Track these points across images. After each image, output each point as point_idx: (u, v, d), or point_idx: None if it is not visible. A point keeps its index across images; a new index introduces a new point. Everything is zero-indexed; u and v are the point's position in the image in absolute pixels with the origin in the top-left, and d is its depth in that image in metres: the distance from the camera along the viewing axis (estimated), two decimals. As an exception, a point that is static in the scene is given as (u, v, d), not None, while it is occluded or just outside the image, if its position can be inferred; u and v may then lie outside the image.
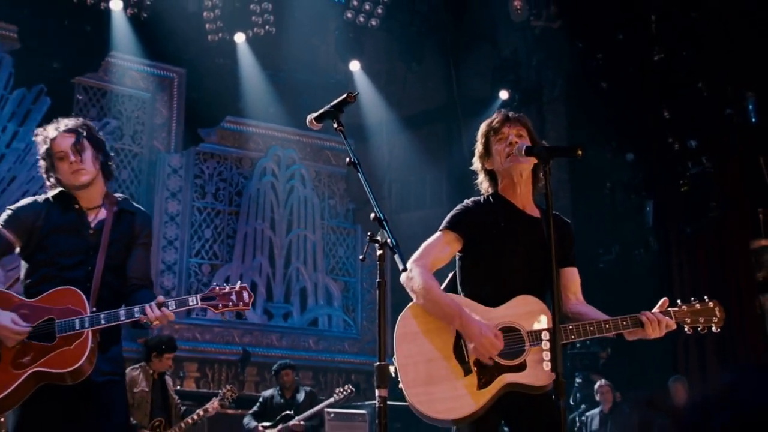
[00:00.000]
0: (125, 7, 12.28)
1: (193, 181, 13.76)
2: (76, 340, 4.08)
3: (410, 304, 4.09)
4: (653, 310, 4.04)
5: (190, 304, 4.24)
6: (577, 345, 11.73)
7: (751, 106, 11.40)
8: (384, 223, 3.61)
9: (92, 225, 4.39)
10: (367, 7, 13.45)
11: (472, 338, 3.87)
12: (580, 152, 3.83)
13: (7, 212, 4.35)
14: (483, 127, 4.33)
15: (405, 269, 3.56)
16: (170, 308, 4.15)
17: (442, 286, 4.23)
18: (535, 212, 4.27)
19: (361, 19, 13.55)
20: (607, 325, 4.00)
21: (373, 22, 13.60)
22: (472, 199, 4.32)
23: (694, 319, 4.09)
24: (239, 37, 13.20)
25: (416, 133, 14.37)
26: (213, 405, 8.82)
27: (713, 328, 4.11)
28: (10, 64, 12.17)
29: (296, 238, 14.53)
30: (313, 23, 13.67)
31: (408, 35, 14.07)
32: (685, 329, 4.11)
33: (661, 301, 4.08)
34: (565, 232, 4.29)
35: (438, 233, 4.21)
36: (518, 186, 4.20)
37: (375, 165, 14.63)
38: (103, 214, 4.45)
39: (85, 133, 4.39)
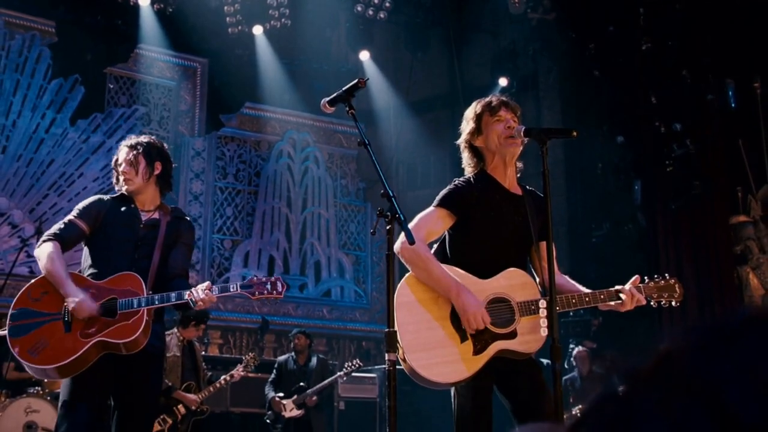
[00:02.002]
0: (152, 3, 12.35)
1: (215, 162, 13.80)
2: (134, 316, 4.49)
3: (407, 274, 4.07)
4: (627, 286, 4.09)
5: (231, 290, 4.63)
6: (570, 314, 11.78)
7: (731, 93, 11.32)
8: (393, 199, 3.65)
9: (143, 221, 4.82)
10: (376, 0, 13.39)
11: (465, 313, 3.89)
12: (575, 134, 3.97)
13: (79, 207, 4.83)
14: (478, 106, 4.27)
15: (413, 242, 3.57)
16: (213, 294, 4.47)
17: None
18: (518, 191, 4.27)
19: (370, 12, 13.48)
20: (587, 298, 4.06)
21: (382, 15, 13.52)
22: (462, 178, 4.29)
23: (659, 295, 4.18)
24: (257, 30, 13.20)
25: (422, 117, 14.34)
26: (238, 371, 8.93)
27: (673, 303, 4.21)
28: (49, 56, 12.24)
29: (311, 215, 14.53)
30: (326, 16, 13.61)
31: (414, 27, 14.04)
32: (652, 303, 4.19)
33: (633, 278, 4.14)
34: (541, 207, 4.18)
35: (431, 209, 4.18)
36: (507, 167, 4.21)
37: (384, 147, 14.53)
38: (155, 215, 4.87)
39: (141, 150, 4.84)
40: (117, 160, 4.91)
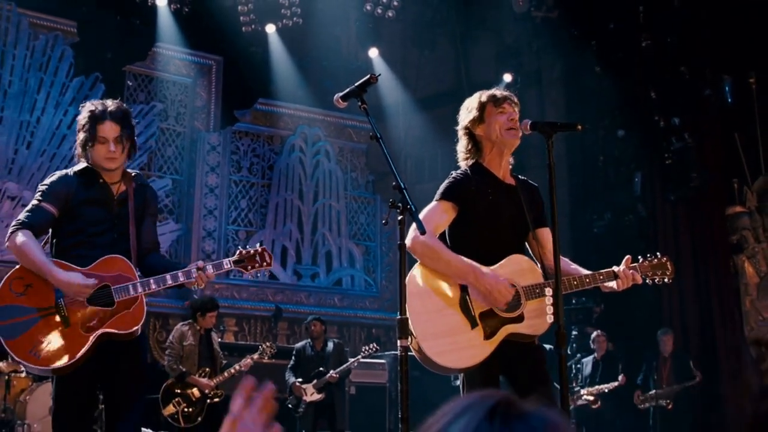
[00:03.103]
0: (169, 3, 12.37)
1: (229, 156, 13.83)
2: (133, 303, 4.16)
3: (416, 265, 4.05)
4: (621, 267, 4.11)
5: (225, 267, 4.34)
6: (573, 301, 11.85)
7: (727, 88, 11.44)
8: (404, 191, 3.61)
9: (116, 197, 4.36)
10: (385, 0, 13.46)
11: (490, 288, 3.89)
12: (579, 127, 3.97)
13: (43, 187, 4.29)
14: (483, 96, 4.25)
15: (424, 232, 3.55)
16: (208, 271, 4.24)
17: None
18: (512, 181, 4.27)
19: (379, 11, 13.46)
20: (587, 279, 4.09)
21: (390, 14, 13.49)
22: (459, 171, 4.26)
23: (653, 273, 4.21)
24: (270, 28, 13.22)
25: (429, 112, 14.31)
26: (247, 361, 8.98)
27: (666, 280, 4.25)
28: (71, 55, 12.30)
29: (322, 207, 14.55)
30: (336, 15, 13.58)
31: (421, 25, 14.05)
32: (647, 281, 4.22)
33: (625, 258, 4.15)
34: (534, 196, 4.33)
35: (434, 203, 4.16)
36: (503, 157, 4.21)
37: (393, 141, 14.51)
38: (122, 188, 4.39)
39: (128, 128, 4.33)
40: (98, 132, 4.25)
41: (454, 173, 4.27)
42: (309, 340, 10.21)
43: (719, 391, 11.10)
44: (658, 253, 4.31)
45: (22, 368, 9.28)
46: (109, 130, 4.24)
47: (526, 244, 4.30)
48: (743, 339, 10.88)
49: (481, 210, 4.13)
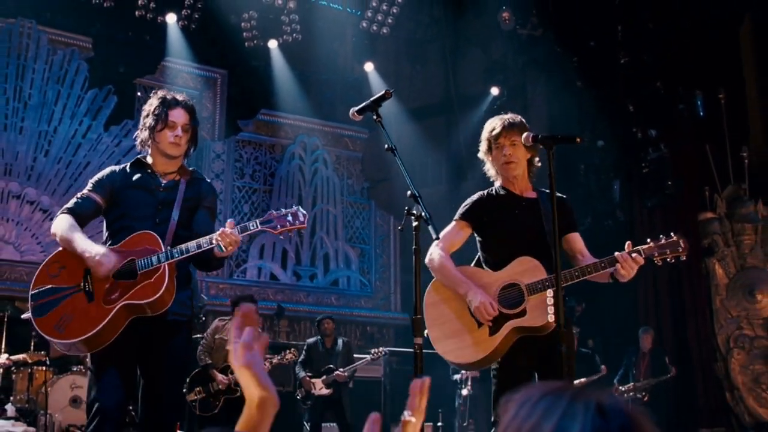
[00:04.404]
0: (178, 20, 12.53)
1: (233, 164, 13.90)
2: (155, 274, 4.00)
3: (433, 280, 4.50)
4: (623, 252, 4.13)
5: (251, 228, 4.07)
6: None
7: (699, 103, 11.58)
8: (419, 199, 3.68)
9: (163, 184, 4.29)
10: (380, 17, 13.49)
11: (474, 308, 4.22)
12: (578, 140, 4.04)
13: (92, 180, 4.35)
14: (485, 132, 4.52)
15: (437, 238, 3.77)
16: (233, 233, 3.97)
17: (473, 263, 4.60)
18: (532, 194, 4.50)
19: (375, 28, 13.62)
20: (589, 268, 4.17)
21: (384, 30, 13.66)
22: (482, 191, 4.59)
23: (661, 252, 4.13)
24: (272, 43, 13.32)
25: (420, 123, 14.36)
26: (267, 363, 9.06)
27: (680, 257, 4.16)
28: (86, 69, 12.45)
29: (320, 211, 14.59)
30: (334, 31, 13.73)
31: (413, 41, 14.18)
32: (655, 261, 4.16)
33: (626, 244, 4.17)
34: (564, 207, 4.48)
35: (453, 222, 4.57)
36: (515, 180, 4.48)
37: (385, 150, 14.79)
38: (176, 177, 4.33)
39: (195, 123, 4.36)
40: (168, 118, 4.26)
41: (477, 194, 4.62)
42: (320, 336, 10.30)
43: (692, 383, 11.39)
44: (672, 233, 4.21)
45: (45, 359, 9.47)
46: (180, 116, 4.28)
47: (563, 248, 4.46)
48: (714, 335, 11.08)
49: (496, 225, 4.47)
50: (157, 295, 3.95)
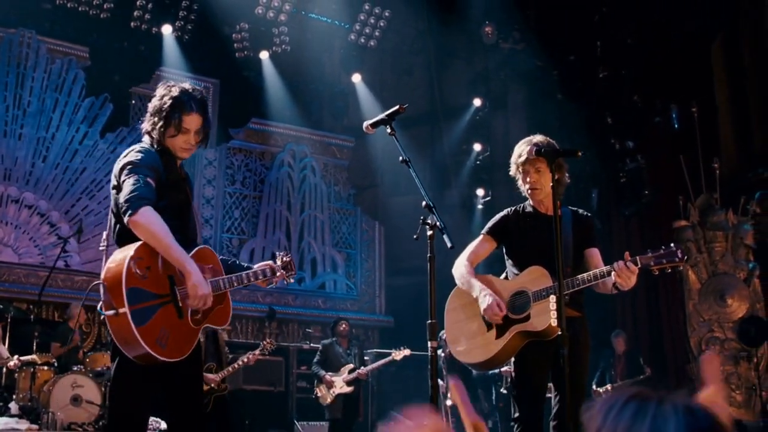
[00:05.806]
0: (172, 31, 12.62)
1: (224, 171, 13.95)
2: (224, 298, 3.86)
3: (455, 287, 4.77)
4: (619, 262, 4.15)
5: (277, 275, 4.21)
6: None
7: (674, 115, 11.76)
8: (433, 209, 3.68)
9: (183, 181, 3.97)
10: (367, 30, 13.61)
11: (485, 308, 4.47)
12: (579, 154, 4.08)
13: (141, 163, 3.69)
14: (514, 155, 4.63)
15: (452, 247, 3.69)
16: (278, 274, 4.15)
17: (503, 275, 4.79)
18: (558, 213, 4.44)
19: (362, 40, 13.73)
20: (589, 277, 4.23)
21: (372, 43, 13.77)
22: (505, 211, 4.79)
23: (658, 262, 4.08)
24: (263, 54, 13.43)
25: (405, 132, 13.75)
26: (254, 355, 9.06)
27: (679, 267, 4.13)
28: (83, 78, 12.53)
29: (308, 217, 14.63)
30: (323, 43, 13.81)
31: (399, 53, 14.27)
32: (652, 271, 4.13)
33: (625, 254, 4.16)
34: (583, 224, 4.68)
35: (480, 235, 4.82)
36: (541, 201, 4.65)
37: (372, 158, 14.80)
38: (183, 172, 4.01)
39: (208, 121, 3.91)
40: (183, 123, 3.78)
41: (505, 210, 4.84)
42: (335, 338, 10.44)
43: (666, 383, 11.53)
44: (671, 244, 4.16)
45: (53, 361, 9.54)
46: (194, 122, 3.83)
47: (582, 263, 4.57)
48: (687, 338, 11.25)
49: (517, 240, 4.71)
50: (228, 323, 3.91)
